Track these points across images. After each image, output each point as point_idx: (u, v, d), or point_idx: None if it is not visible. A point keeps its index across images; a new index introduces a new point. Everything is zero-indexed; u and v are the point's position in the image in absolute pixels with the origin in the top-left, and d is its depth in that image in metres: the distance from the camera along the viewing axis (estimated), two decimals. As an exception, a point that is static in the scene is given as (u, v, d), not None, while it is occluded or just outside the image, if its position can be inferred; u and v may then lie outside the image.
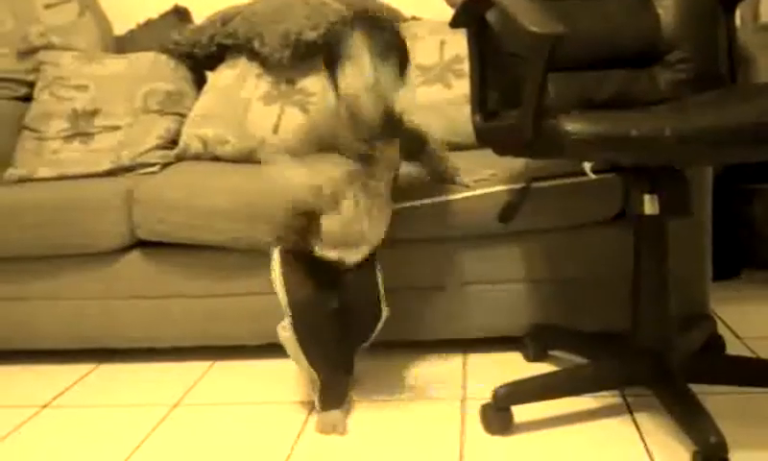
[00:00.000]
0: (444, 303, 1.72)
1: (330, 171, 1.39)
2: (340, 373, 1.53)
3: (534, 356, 1.68)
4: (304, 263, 1.48)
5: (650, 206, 1.31)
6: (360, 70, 1.35)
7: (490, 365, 1.68)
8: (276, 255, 1.51)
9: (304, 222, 1.46)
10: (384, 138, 1.46)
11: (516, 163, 1.62)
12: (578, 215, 1.64)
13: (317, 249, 1.48)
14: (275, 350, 1.55)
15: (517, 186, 1.59)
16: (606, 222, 1.64)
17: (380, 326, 1.54)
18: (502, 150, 1.48)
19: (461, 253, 1.69)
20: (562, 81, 1.45)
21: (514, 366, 1.65)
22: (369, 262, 1.53)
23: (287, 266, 1.48)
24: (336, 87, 1.41)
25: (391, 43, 1.39)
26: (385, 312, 1.53)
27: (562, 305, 1.70)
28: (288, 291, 1.46)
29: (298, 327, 1.45)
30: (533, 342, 1.68)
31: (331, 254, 1.48)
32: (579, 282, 1.70)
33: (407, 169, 1.65)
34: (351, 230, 1.46)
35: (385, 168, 1.49)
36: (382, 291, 1.53)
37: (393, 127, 1.48)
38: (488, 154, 1.52)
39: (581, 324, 1.67)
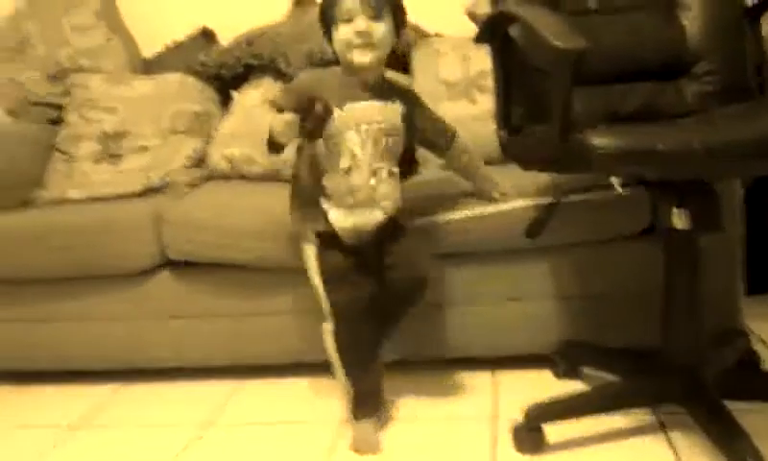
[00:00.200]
0: (473, 319, 1.71)
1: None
2: (374, 379, 1.52)
3: (564, 374, 1.66)
4: (337, 252, 1.48)
5: (679, 220, 1.29)
6: (354, 27, 1.41)
7: (520, 382, 1.66)
8: (311, 256, 1.52)
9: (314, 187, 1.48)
10: (383, 97, 1.48)
11: (543, 178, 1.61)
12: (606, 230, 1.63)
13: (332, 217, 1.46)
14: (303, 368, 1.56)
15: (545, 201, 1.58)
16: (635, 236, 1.62)
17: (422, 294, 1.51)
18: (528, 165, 1.47)
19: (488, 268, 1.68)
20: (587, 94, 1.44)
21: (544, 383, 1.63)
22: (400, 231, 1.51)
23: (325, 266, 1.49)
24: (332, 47, 1.47)
25: (387, 5, 1.44)
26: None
27: (591, 321, 1.68)
28: (330, 295, 1.49)
29: (337, 330, 1.48)
30: (563, 359, 1.66)
31: (346, 223, 1.46)
32: (608, 298, 1.68)
33: (436, 175, 1.64)
34: (354, 184, 1.45)
35: (384, 128, 1.46)
36: (422, 261, 1.50)
37: (394, 90, 1.52)
38: (513, 168, 1.51)
39: (611, 340, 1.64)
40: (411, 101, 1.55)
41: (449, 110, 1.94)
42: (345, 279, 1.47)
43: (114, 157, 2.14)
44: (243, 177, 2.04)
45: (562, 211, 1.56)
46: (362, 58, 1.43)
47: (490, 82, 1.77)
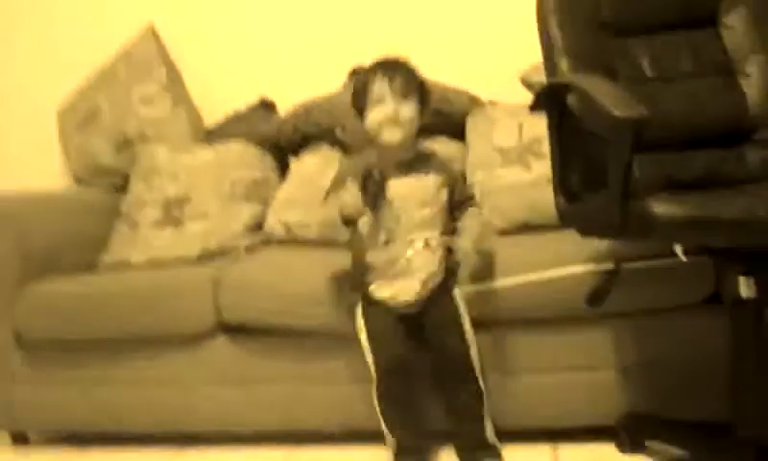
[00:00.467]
0: (531, 389, 1.67)
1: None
2: (418, 440, 1.55)
3: (628, 447, 1.59)
4: (385, 318, 1.56)
5: (746, 288, 1.26)
6: (383, 108, 1.54)
7: (582, 457, 1.61)
8: (359, 314, 1.59)
9: (361, 261, 1.59)
10: (417, 170, 1.57)
11: (603, 244, 1.59)
12: (669, 297, 1.58)
13: (373, 288, 1.57)
14: (357, 436, 1.54)
15: (606, 268, 1.56)
16: (698, 304, 1.58)
17: (475, 363, 1.54)
18: (587, 232, 1.46)
19: (546, 336, 1.65)
20: (646, 161, 1.43)
21: (607, 458, 1.57)
22: (443, 300, 1.56)
23: (369, 324, 1.57)
24: (366, 128, 1.59)
25: (411, 82, 1.57)
26: (473, 348, 1.55)
27: (654, 392, 1.63)
28: (373, 351, 1.56)
29: (378, 386, 1.54)
30: (627, 432, 1.60)
31: (385, 293, 1.55)
32: (671, 368, 1.62)
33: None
34: (391, 256, 1.55)
35: (420, 201, 1.55)
36: (467, 326, 1.55)
37: (430, 162, 1.61)
38: (570, 234, 1.50)
39: (674, 411, 1.58)
40: (447, 170, 1.63)
41: (504, 177, 1.96)
42: (386, 337, 1.55)
43: (176, 222, 2.20)
44: (299, 242, 2.07)
45: (623, 278, 1.53)
46: (392, 136, 1.56)
47: (544, 148, 1.79)
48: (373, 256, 1.57)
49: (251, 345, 1.83)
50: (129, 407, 1.92)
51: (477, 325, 1.61)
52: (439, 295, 1.57)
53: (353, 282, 1.64)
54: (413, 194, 1.57)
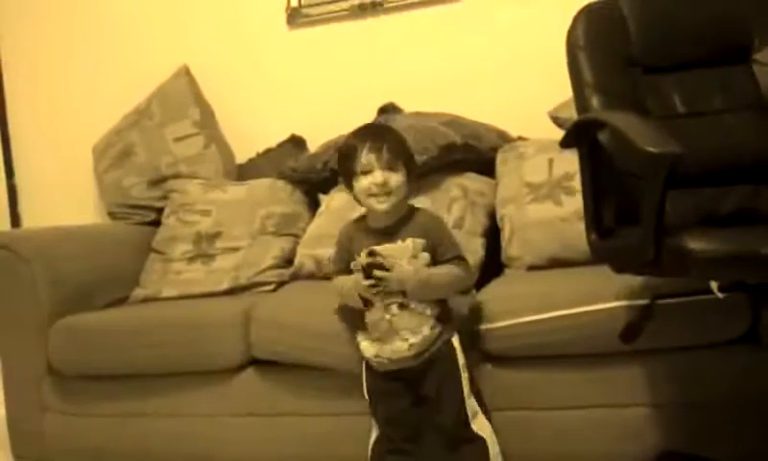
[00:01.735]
0: (559, 427, 1.65)
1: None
2: None
3: (662, 487, 1.56)
4: (377, 374, 1.60)
5: (783, 325, 1.23)
6: (372, 179, 1.54)
7: (613, 496, 1.58)
8: (363, 371, 1.62)
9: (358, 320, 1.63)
10: (396, 236, 1.58)
11: (637, 280, 1.57)
12: (703, 334, 1.56)
13: (362, 347, 1.61)
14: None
15: (640, 303, 1.54)
16: (734, 341, 1.55)
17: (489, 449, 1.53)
18: (621, 268, 1.44)
19: (577, 373, 1.63)
20: (678, 197, 1.41)
21: (639, 498, 1.55)
22: (440, 372, 1.56)
23: (368, 379, 1.62)
24: (354, 196, 1.62)
25: (398, 152, 1.57)
26: (485, 429, 1.55)
27: (687, 431, 1.59)
28: (370, 405, 1.62)
29: (375, 441, 1.59)
30: (660, 471, 1.57)
31: (369, 351, 1.59)
32: (705, 406, 1.59)
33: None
34: (371, 320, 1.58)
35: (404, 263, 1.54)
36: (467, 397, 1.55)
37: (416, 226, 1.60)
38: (602, 269, 1.49)
39: (710, 452, 1.55)
40: (433, 231, 1.61)
41: (535, 213, 1.95)
42: (379, 398, 1.61)
43: (207, 257, 2.23)
44: (328, 277, 2.07)
45: (657, 314, 1.52)
46: (381, 205, 1.57)
47: (575, 183, 1.79)
48: (366, 317, 1.60)
49: (280, 379, 1.84)
50: (158, 439, 1.93)
51: (505, 360, 1.61)
52: (438, 351, 1.56)
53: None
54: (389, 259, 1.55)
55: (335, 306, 1.74)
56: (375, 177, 1.54)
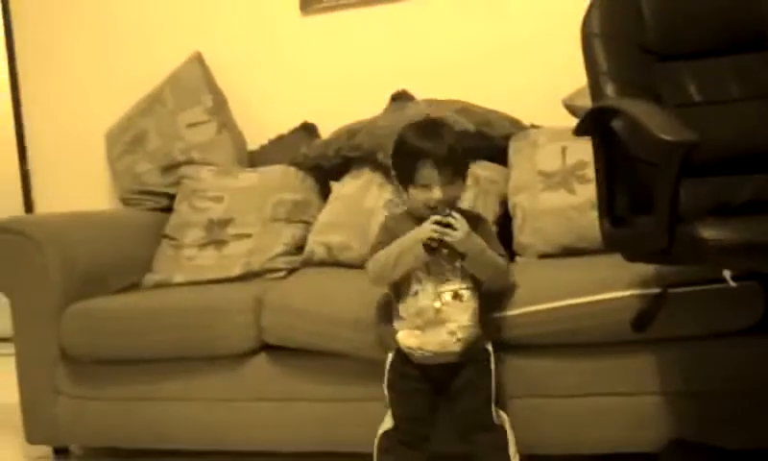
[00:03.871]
0: (570, 414, 1.65)
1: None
2: None
3: (672, 476, 1.56)
4: (407, 368, 1.56)
5: (797, 315, 1.22)
6: (431, 194, 1.52)
7: (623, 484, 1.58)
8: (388, 364, 1.60)
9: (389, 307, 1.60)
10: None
11: (649, 269, 1.57)
12: (716, 323, 1.56)
13: (400, 336, 1.56)
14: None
15: (653, 292, 1.54)
16: (746, 330, 1.54)
17: (509, 439, 1.52)
18: (634, 256, 1.44)
19: (588, 361, 1.63)
20: (692, 185, 1.41)
21: (650, 486, 1.55)
22: (475, 367, 1.55)
23: (394, 375, 1.59)
24: (407, 200, 1.60)
25: (458, 164, 1.55)
26: (504, 422, 1.54)
27: (700, 420, 1.59)
28: (392, 402, 1.58)
29: (390, 434, 1.57)
30: (671, 459, 1.57)
31: (412, 342, 1.54)
32: (716, 395, 1.59)
33: None
34: (420, 306, 1.53)
35: (447, 254, 1.52)
36: (493, 397, 1.54)
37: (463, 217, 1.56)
38: (614, 258, 1.49)
39: (722, 441, 1.55)
40: (478, 229, 1.59)
41: (547, 201, 1.95)
42: (402, 396, 1.58)
43: (218, 243, 2.24)
44: (339, 264, 2.08)
45: (669, 303, 1.51)
46: (434, 215, 1.52)
47: (588, 171, 1.78)
48: (404, 306, 1.57)
49: (291, 364, 1.85)
50: (170, 424, 1.95)
51: (517, 348, 1.61)
52: (474, 353, 1.55)
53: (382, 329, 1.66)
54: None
55: (350, 294, 1.75)
56: (435, 193, 1.52)
